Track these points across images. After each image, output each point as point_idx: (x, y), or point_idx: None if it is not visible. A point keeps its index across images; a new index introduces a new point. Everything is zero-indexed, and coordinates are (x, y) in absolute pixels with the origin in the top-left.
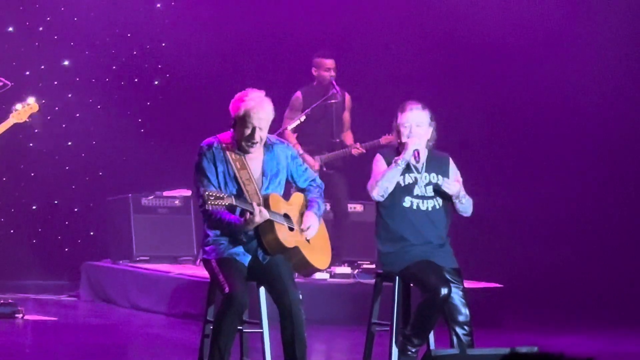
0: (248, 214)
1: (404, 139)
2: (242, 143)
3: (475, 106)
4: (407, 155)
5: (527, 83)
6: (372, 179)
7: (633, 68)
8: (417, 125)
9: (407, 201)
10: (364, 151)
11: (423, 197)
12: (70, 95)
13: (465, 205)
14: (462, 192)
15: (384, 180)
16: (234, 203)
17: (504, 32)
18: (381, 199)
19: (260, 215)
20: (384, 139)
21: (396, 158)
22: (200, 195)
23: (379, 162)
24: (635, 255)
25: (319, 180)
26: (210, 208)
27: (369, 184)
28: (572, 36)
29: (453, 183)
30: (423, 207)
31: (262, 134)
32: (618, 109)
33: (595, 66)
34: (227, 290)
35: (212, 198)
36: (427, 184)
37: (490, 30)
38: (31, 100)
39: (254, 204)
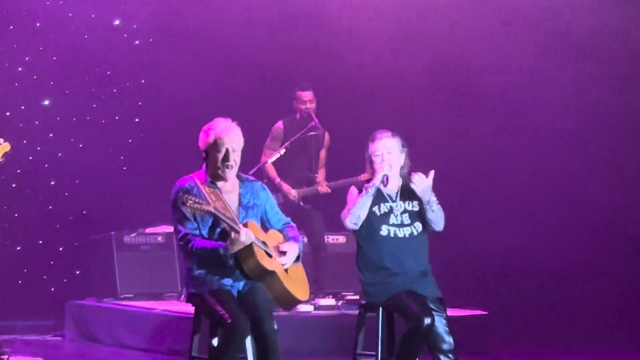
0: (233, 233)
1: (377, 167)
2: (217, 169)
3: (457, 134)
4: (377, 181)
5: (499, 105)
6: (345, 209)
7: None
8: (388, 152)
9: (384, 230)
10: (329, 191)
11: (400, 225)
12: (51, 135)
13: (436, 214)
14: (433, 198)
15: (356, 208)
16: (216, 213)
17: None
18: (355, 227)
19: (246, 234)
20: (363, 177)
21: (366, 185)
22: (179, 199)
23: (353, 193)
24: (619, 280)
25: (292, 223)
26: (189, 210)
27: (342, 213)
28: None
29: (422, 177)
30: (400, 235)
31: (235, 156)
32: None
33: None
34: (229, 320)
35: (191, 202)
36: (402, 212)
37: (477, 65)
38: (0, 140)
39: (240, 224)
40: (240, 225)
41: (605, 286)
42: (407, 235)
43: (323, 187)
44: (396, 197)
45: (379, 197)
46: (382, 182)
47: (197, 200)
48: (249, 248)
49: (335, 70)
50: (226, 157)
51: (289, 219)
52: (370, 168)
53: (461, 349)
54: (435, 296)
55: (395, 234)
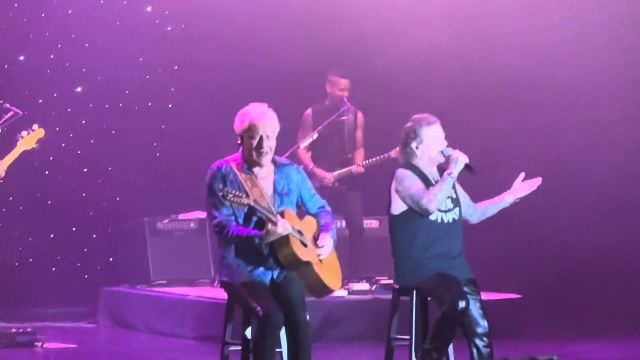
0: (270, 224)
1: (437, 151)
2: (251, 156)
3: (494, 116)
4: (459, 167)
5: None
6: (418, 193)
7: None
8: (444, 138)
9: (434, 215)
10: (362, 170)
11: (446, 211)
12: (84, 122)
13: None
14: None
15: (442, 193)
16: (255, 206)
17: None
18: (433, 212)
19: (283, 226)
20: (395, 152)
21: (449, 171)
22: (220, 193)
23: (411, 176)
24: None
25: (328, 207)
26: (229, 204)
27: (424, 199)
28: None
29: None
30: (445, 220)
31: (270, 143)
32: None
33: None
34: (261, 312)
35: (231, 195)
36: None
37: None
38: (35, 126)
39: (278, 216)
40: (278, 217)
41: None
42: (450, 221)
43: (357, 167)
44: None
45: (427, 181)
46: (470, 170)
47: (237, 193)
48: (285, 238)
49: (367, 55)
50: (260, 144)
51: (324, 202)
52: (416, 152)
53: (495, 333)
54: (467, 277)
55: (442, 219)
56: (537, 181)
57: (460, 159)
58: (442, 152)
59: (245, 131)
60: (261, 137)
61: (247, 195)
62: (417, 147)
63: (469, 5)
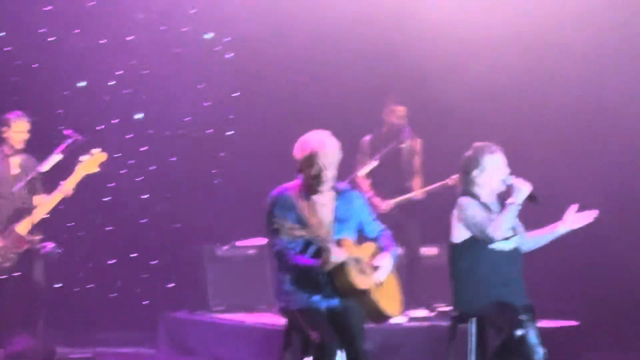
0: (324, 253)
1: (499, 180)
2: (311, 184)
3: (555, 146)
4: (523, 196)
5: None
6: (484, 221)
7: None
8: (506, 166)
9: (495, 243)
10: (424, 196)
11: (507, 238)
12: (145, 148)
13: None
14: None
15: (507, 222)
16: (309, 237)
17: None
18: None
19: (337, 255)
20: (452, 180)
21: (512, 200)
22: (273, 226)
23: (474, 205)
24: None
25: (388, 231)
26: (283, 240)
27: (489, 228)
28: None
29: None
30: (506, 248)
31: (330, 172)
32: None
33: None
34: (318, 340)
35: (287, 229)
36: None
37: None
38: (96, 150)
39: (331, 243)
40: (331, 245)
41: None
42: (512, 249)
43: (417, 194)
44: (499, 209)
45: (488, 211)
46: (534, 200)
47: (291, 225)
48: (342, 267)
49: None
50: (320, 174)
51: (383, 226)
52: (477, 180)
53: None
54: (524, 303)
55: (502, 248)
56: (593, 213)
57: (524, 188)
58: (504, 181)
59: (306, 159)
60: (321, 167)
61: (304, 226)
62: (478, 176)
63: (532, 33)
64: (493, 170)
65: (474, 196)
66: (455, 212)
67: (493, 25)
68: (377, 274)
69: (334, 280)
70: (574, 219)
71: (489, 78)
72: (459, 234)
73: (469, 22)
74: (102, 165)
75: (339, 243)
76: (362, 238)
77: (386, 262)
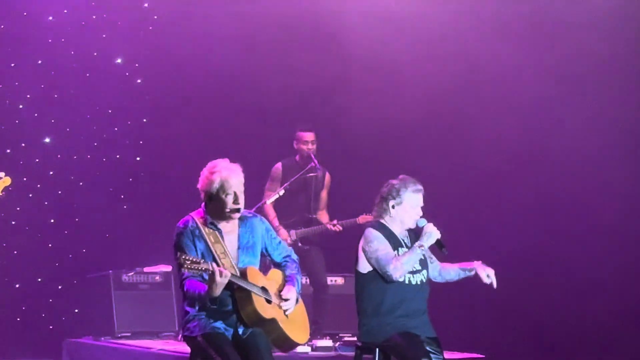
0: (210, 278)
1: (411, 219)
2: (224, 212)
3: (457, 177)
4: (431, 241)
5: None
6: (386, 258)
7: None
8: (421, 207)
9: (402, 277)
10: (341, 229)
11: (414, 272)
12: (51, 173)
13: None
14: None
15: (409, 264)
16: (210, 268)
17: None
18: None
19: (222, 275)
20: (362, 219)
21: (420, 243)
22: (177, 259)
23: (380, 238)
24: (625, 319)
25: (294, 255)
26: (187, 272)
27: (390, 266)
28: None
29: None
30: (414, 282)
31: (242, 198)
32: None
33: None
34: None
35: (189, 262)
36: None
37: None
38: (1, 174)
39: (212, 264)
40: (214, 266)
41: (613, 323)
42: (418, 283)
43: (335, 226)
44: (410, 242)
45: (396, 241)
46: (441, 248)
47: (194, 259)
48: (247, 296)
49: (336, 112)
50: (236, 201)
51: (290, 250)
52: (392, 213)
53: None
54: (430, 336)
55: (409, 281)
56: (491, 274)
57: (434, 234)
58: (416, 221)
59: (216, 190)
60: (235, 194)
61: (206, 262)
62: (393, 207)
63: (445, 68)
64: (409, 208)
65: (383, 227)
66: (361, 242)
67: (407, 57)
68: (284, 305)
69: (240, 310)
70: (486, 268)
71: (405, 116)
72: (365, 264)
73: (385, 51)
74: (6, 189)
75: (243, 272)
76: (268, 269)
77: (292, 295)
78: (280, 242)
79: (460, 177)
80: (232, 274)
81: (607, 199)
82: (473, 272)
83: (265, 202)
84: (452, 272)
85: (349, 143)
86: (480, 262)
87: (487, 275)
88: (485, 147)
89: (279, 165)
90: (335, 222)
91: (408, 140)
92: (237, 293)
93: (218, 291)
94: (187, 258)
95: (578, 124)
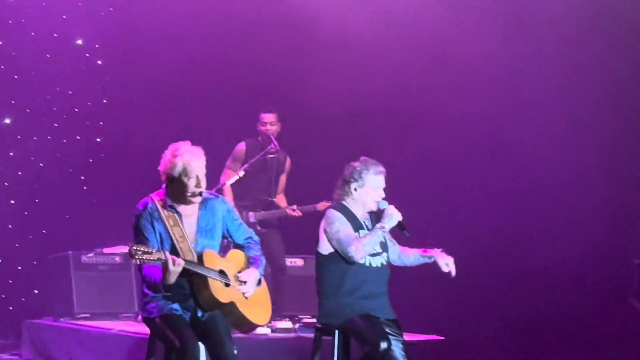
0: (164, 267)
1: (373, 201)
2: (185, 196)
3: (419, 162)
4: (392, 224)
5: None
6: (347, 239)
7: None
8: (383, 189)
9: (363, 259)
10: (300, 214)
11: (374, 254)
12: (11, 154)
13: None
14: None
15: (370, 245)
16: (163, 257)
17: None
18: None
19: (175, 263)
20: (321, 205)
21: (381, 225)
22: (128, 250)
23: (341, 219)
24: (579, 306)
25: (256, 237)
26: (138, 262)
27: (351, 247)
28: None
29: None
30: (374, 264)
31: (204, 182)
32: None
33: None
34: (178, 344)
35: (140, 253)
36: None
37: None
38: None
39: (165, 252)
40: (167, 255)
41: (571, 309)
42: (379, 265)
43: (295, 211)
44: (371, 224)
45: (357, 223)
46: (402, 230)
47: (145, 249)
48: (203, 281)
49: (301, 95)
50: (199, 185)
51: (251, 231)
52: (353, 194)
53: None
54: (389, 317)
55: (370, 263)
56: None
57: (395, 217)
58: (378, 203)
59: (179, 173)
60: (197, 177)
61: (158, 251)
62: (355, 189)
63: (414, 48)
64: (371, 189)
65: (344, 208)
66: (322, 223)
67: (377, 38)
68: (243, 288)
69: (196, 294)
70: (445, 257)
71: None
72: (326, 246)
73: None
74: None
75: (200, 257)
76: (226, 250)
77: (252, 276)
78: (241, 224)
79: (426, 161)
80: (187, 261)
81: (574, 184)
82: (432, 260)
83: (224, 184)
84: (411, 257)
85: (312, 127)
86: (440, 250)
87: (446, 264)
88: (451, 130)
89: (242, 144)
90: (294, 207)
91: (374, 124)
92: (194, 278)
93: (173, 279)
94: (138, 249)
95: (547, 109)
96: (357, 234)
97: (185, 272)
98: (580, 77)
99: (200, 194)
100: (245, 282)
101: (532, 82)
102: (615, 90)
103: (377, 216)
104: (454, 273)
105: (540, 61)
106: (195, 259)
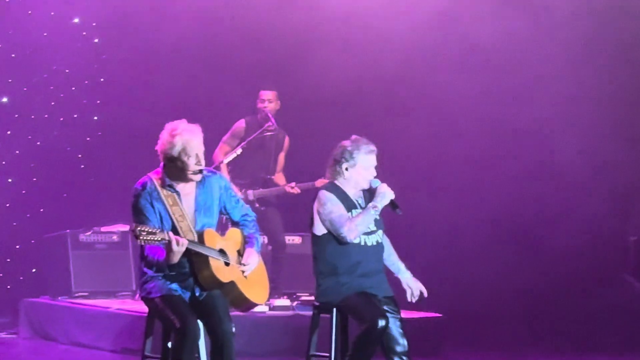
0: (167, 247)
1: (365, 179)
2: (185, 174)
3: (417, 139)
4: (385, 202)
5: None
6: (340, 220)
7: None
8: (375, 168)
9: (357, 238)
10: (299, 192)
11: (369, 233)
12: (9, 132)
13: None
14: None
15: (363, 225)
16: (166, 237)
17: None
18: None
19: (179, 243)
20: (319, 182)
21: (373, 204)
22: (132, 230)
23: (333, 200)
24: (577, 282)
25: (252, 213)
26: (142, 243)
27: (344, 228)
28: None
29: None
30: (369, 243)
31: (203, 159)
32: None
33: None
34: (178, 325)
35: (144, 233)
36: None
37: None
38: None
39: (169, 233)
40: (171, 235)
41: (567, 288)
42: (374, 243)
43: (293, 189)
44: (364, 203)
45: (350, 203)
46: (395, 208)
47: (150, 230)
48: (204, 260)
49: (302, 73)
50: (199, 162)
51: (248, 208)
52: (344, 173)
53: (415, 352)
54: (387, 295)
55: (365, 242)
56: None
57: (387, 195)
58: (370, 182)
59: (178, 152)
60: (197, 155)
61: (161, 231)
62: (347, 169)
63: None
64: (363, 168)
65: (336, 188)
66: (315, 204)
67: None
68: (244, 268)
69: (197, 273)
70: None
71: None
72: (320, 226)
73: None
74: None
75: (200, 235)
76: (226, 227)
77: (252, 258)
78: (238, 200)
79: (424, 140)
80: (190, 241)
81: (576, 167)
82: (400, 277)
83: (222, 162)
84: (390, 257)
85: (312, 105)
86: (410, 274)
87: (412, 293)
88: (457, 110)
89: (242, 122)
90: (293, 184)
91: (376, 102)
92: (194, 257)
93: (176, 259)
94: (142, 229)
95: (550, 92)
96: (350, 213)
97: (185, 252)
98: (586, 61)
99: (201, 171)
100: (247, 264)
101: (540, 64)
102: (617, 72)
103: (370, 194)
104: (415, 300)
105: (550, 44)
106: (195, 238)
